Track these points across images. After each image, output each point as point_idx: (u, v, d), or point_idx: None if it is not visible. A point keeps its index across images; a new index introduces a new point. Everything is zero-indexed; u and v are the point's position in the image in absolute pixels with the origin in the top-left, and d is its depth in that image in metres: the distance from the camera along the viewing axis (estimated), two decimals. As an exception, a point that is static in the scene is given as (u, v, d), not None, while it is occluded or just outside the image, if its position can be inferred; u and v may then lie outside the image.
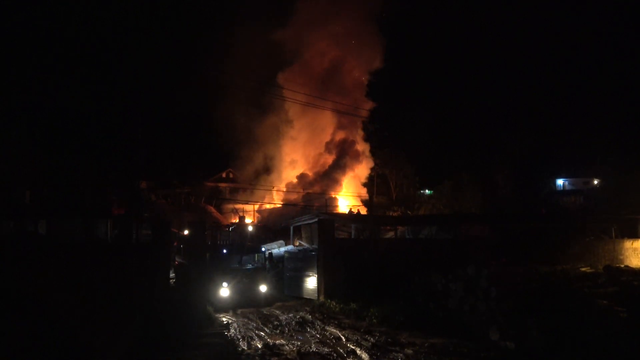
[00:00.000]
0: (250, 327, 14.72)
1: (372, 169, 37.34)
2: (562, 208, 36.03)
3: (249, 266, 20.00)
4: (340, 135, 36.56)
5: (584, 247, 21.33)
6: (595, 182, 40.83)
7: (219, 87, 35.33)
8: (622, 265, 20.08)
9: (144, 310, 14.45)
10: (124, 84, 33.88)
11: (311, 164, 36.41)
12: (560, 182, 43.47)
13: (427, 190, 40.58)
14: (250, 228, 29.67)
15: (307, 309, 17.30)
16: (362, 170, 36.20)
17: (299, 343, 12.57)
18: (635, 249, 22.59)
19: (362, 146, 36.72)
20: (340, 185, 34.72)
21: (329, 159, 35.78)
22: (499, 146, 38.27)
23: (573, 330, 12.76)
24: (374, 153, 37.32)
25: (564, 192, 42.14)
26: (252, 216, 35.08)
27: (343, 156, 35.66)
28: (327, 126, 36.33)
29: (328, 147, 36.16)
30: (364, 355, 11.29)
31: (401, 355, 11.30)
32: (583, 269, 17.57)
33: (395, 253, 19.58)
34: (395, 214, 31.98)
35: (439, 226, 24.92)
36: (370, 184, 36.69)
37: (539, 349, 11.89)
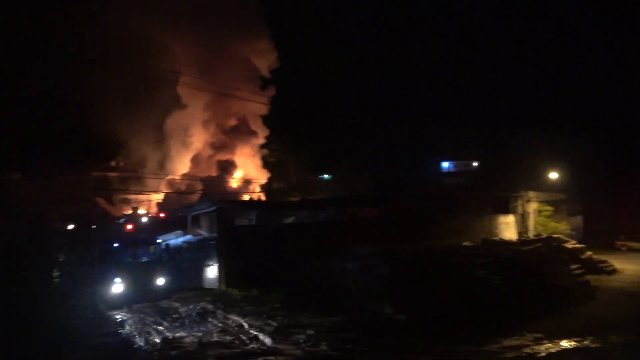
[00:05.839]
0: (147, 322, 14.03)
1: (270, 155, 37.26)
2: (446, 188, 39.14)
3: (144, 259, 18.98)
4: (233, 121, 35.70)
5: (465, 224, 23.48)
6: (475, 164, 45.04)
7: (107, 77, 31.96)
8: (497, 238, 22.47)
9: (23, 314, 13.13)
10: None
11: (206, 148, 35.25)
12: (445, 164, 47.13)
13: (325, 175, 41.62)
14: (144, 219, 28.04)
15: (208, 298, 16.91)
16: (259, 155, 35.87)
17: (200, 334, 12.28)
18: (507, 223, 25.42)
19: (260, 132, 36.28)
20: (236, 167, 34.33)
21: (224, 141, 34.92)
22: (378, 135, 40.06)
23: (456, 300, 14.02)
24: (272, 139, 37.20)
25: (448, 173, 45.81)
26: (148, 206, 33.13)
27: (239, 140, 35.01)
28: (222, 111, 35.18)
29: (224, 131, 35.22)
30: (267, 340, 11.37)
31: (303, 336, 11.56)
32: (465, 243, 19.36)
33: (295, 237, 19.88)
34: (293, 199, 32.32)
35: (335, 209, 25.74)
36: (270, 170, 36.59)
37: (428, 321, 12.89)
